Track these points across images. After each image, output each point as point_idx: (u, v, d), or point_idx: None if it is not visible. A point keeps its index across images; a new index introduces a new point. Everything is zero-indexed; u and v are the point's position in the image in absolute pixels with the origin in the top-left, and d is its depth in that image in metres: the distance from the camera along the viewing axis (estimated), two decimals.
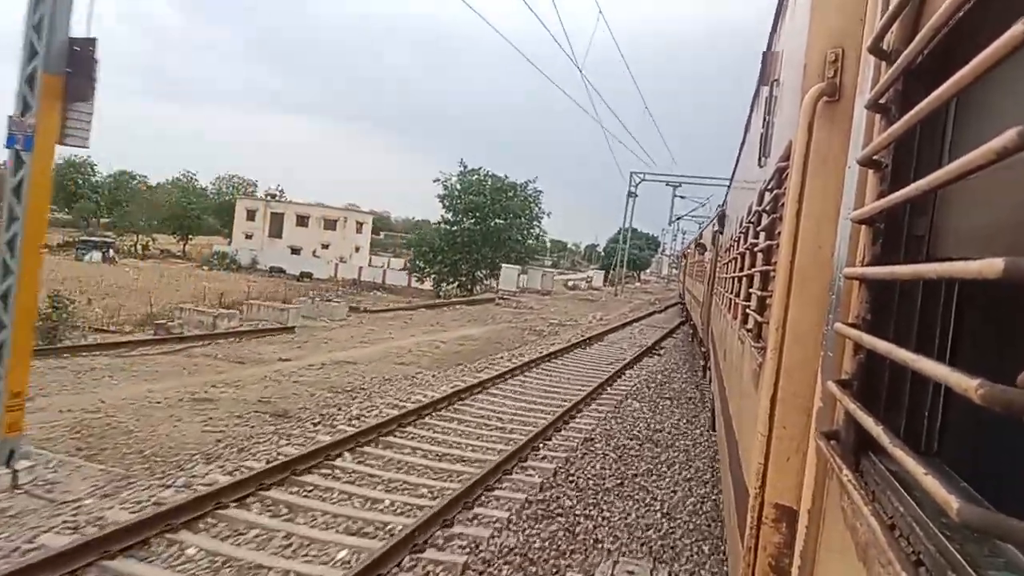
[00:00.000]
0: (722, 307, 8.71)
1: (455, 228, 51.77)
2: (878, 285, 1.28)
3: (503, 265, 49.34)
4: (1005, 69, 0.79)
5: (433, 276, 52.17)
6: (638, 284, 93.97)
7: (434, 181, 52.71)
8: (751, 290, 3.98)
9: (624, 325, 29.35)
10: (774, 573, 2.09)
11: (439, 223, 54.54)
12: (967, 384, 0.67)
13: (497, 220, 51.60)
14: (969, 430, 1.43)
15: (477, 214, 51.83)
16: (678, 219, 58.36)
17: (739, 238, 5.76)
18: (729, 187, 12.42)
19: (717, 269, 12.38)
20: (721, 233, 12.27)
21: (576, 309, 38.72)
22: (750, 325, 3.83)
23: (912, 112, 1.03)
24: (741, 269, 5.16)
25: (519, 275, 49.13)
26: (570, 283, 74.86)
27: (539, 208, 56.22)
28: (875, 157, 1.31)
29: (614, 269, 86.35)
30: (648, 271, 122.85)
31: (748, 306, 4.08)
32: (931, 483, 0.76)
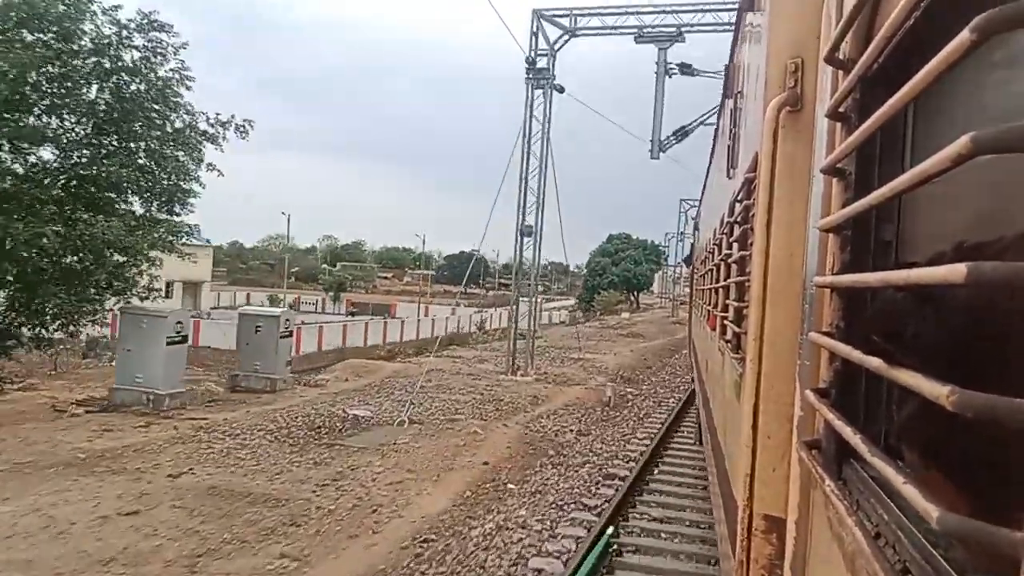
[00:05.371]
0: (702, 319, 8.74)
1: None
2: (848, 293, 1.28)
3: None
4: (961, 74, 0.80)
5: None
6: (625, 316, 56.13)
7: None
8: (727, 301, 3.99)
9: None
10: None
11: None
12: (939, 391, 0.67)
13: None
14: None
15: None
16: (683, 132, 22.69)
17: (713, 249, 5.80)
18: (701, 198, 12.56)
19: (695, 281, 12.47)
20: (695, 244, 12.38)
21: None
22: (729, 336, 3.84)
23: (871, 120, 1.04)
24: (716, 280, 5.18)
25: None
26: (477, 321, 45.82)
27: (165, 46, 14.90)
28: (838, 165, 1.31)
29: (597, 293, 65.43)
30: (654, 289, 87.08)
31: (726, 317, 4.09)
32: (911, 492, 0.76)
